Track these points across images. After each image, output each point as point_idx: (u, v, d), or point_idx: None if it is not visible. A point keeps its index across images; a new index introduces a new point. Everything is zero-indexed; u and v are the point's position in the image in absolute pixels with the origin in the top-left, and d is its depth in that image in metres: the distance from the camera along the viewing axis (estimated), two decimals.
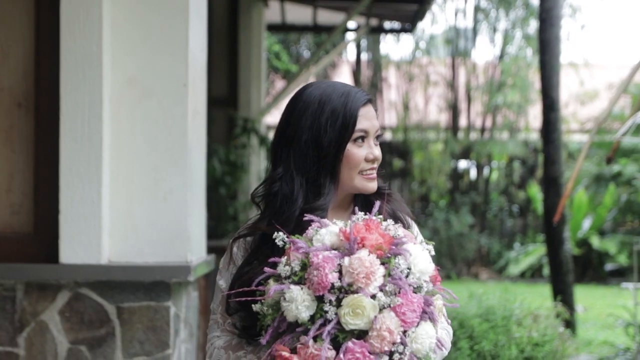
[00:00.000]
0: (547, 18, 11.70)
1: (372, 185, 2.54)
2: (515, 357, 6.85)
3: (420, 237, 2.56)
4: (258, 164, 11.40)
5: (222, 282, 2.56)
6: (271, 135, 20.01)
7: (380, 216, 2.36)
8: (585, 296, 14.60)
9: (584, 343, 10.52)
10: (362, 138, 2.53)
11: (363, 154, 2.52)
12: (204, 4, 5.38)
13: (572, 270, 11.86)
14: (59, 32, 4.91)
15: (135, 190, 5.05)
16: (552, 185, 11.41)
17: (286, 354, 2.18)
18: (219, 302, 2.57)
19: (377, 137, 2.57)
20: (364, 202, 2.60)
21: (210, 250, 5.87)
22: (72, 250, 4.94)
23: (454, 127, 21.05)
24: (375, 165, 2.55)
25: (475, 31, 21.52)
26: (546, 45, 11.81)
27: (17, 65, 5.08)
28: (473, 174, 21.74)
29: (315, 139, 2.51)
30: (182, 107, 5.04)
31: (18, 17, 5.02)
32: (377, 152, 2.55)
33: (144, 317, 4.94)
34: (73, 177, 4.95)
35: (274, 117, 20.41)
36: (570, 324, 11.24)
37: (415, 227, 2.64)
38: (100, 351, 4.92)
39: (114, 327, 4.94)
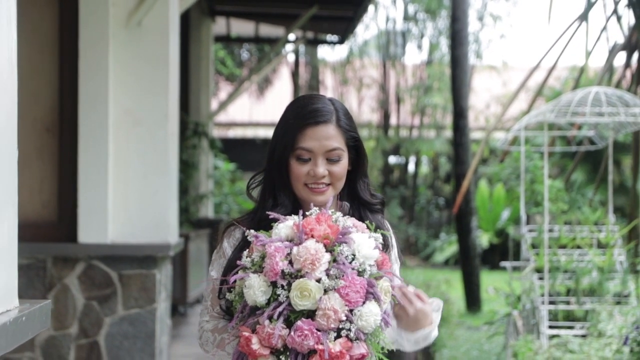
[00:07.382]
0: (457, 38, 12.48)
1: (316, 198, 2.46)
2: None
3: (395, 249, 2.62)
4: (207, 163, 11.70)
5: (214, 273, 2.53)
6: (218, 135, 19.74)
7: (333, 210, 2.37)
8: (500, 279, 14.72)
9: (488, 316, 11.26)
10: (306, 156, 2.46)
11: (304, 171, 2.46)
12: (176, 57, 6.17)
13: (478, 255, 12.73)
14: (77, 78, 5.73)
15: (130, 191, 5.82)
16: (461, 182, 12.16)
17: (247, 333, 2.23)
18: (210, 291, 2.54)
19: (331, 157, 2.47)
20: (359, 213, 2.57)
21: None
22: (86, 233, 5.72)
23: (385, 125, 21.46)
24: (323, 180, 2.47)
25: (404, 37, 21.80)
26: (456, 62, 12.52)
27: (46, 101, 5.82)
28: (408, 169, 21.87)
29: (272, 150, 2.51)
30: (163, 131, 5.88)
31: (47, 68, 5.81)
32: (320, 170, 2.45)
33: (137, 281, 5.72)
34: (87, 181, 5.71)
35: (220, 118, 20.91)
36: (476, 302, 12.38)
37: (392, 239, 2.60)
38: (107, 305, 5.73)
39: (117, 288, 5.73)
